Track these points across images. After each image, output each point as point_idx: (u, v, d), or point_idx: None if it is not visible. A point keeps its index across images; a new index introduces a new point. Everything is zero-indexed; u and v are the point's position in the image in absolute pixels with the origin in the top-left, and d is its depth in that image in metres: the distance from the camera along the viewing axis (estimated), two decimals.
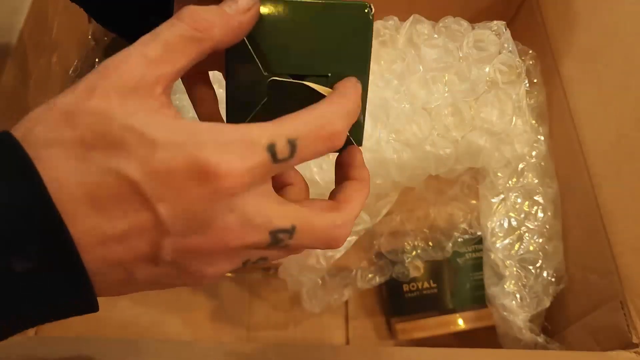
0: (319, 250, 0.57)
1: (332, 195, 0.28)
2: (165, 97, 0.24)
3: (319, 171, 0.54)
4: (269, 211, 0.24)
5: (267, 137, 0.23)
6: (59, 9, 0.57)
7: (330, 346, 0.60)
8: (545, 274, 0.59)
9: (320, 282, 0.60)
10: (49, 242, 0.21)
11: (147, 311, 0.62)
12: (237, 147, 0.22)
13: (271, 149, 0.23)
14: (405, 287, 0.63)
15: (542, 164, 0.61)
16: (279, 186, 0.30)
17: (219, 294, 0.64)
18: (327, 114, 0.25)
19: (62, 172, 0.22)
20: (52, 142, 0.22)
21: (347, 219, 0.27)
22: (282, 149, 0.24)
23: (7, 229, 0.21)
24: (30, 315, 0.23)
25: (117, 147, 0.22)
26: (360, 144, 0.31)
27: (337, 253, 0.58)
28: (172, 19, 0.24)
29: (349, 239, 0.58)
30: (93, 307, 0.24)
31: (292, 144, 0.24)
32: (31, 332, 0.58)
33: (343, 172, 0.29)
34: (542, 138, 0.62)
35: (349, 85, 0.28)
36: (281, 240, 0.25)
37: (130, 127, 0.22)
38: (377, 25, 0.59)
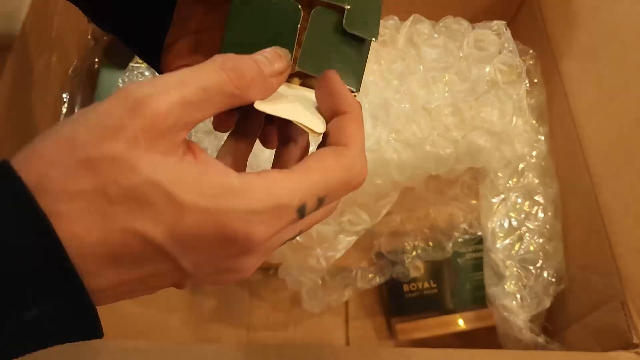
0: (319, 250, 0.57)
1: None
2: (186, 139, 0.23)
3: None
4: (284, 235, 0.25)
5: (298, 200, 0.23)
6: (58, 8, 0.57)
7: (330, 346, 0.60)
8: (545, 274, 0.59)
9: (320, 282, 0.60)
10: (64, 299, 0.21)
11: (146, 311, 0.62)
12: (267, 216, 0.22)
13: (301, 210, 0.23)
14: (406, 288, 0.63)
15: (543, 164, 0.61)
16: (284, 141, 0.30)
17: (219, 294, 0.64)
18: (357, 163, 0.25)
19: (82, 229, 0.21)
20: (72, 195, 0.21)
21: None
22: (311, 207, 0.24)
23: (21, 284, 0.20)
24: (34, 348, 0.23)
25: (141, 205, 0.21)
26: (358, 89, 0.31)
27: (337, 253, 0.58)
28: (215, 67, 0.24)
29: (348, 239, 0.58)
30: (98, 336, 0.24)
31: (321, 201, 0.24)
32: None
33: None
34: (543, 138, 0.62)
35: (358, 108, 0.27)
36: (286, 242, 0.26)
37: (156, 183, 0.21)
38: None
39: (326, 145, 0.26)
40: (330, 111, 0.27)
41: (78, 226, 0.21)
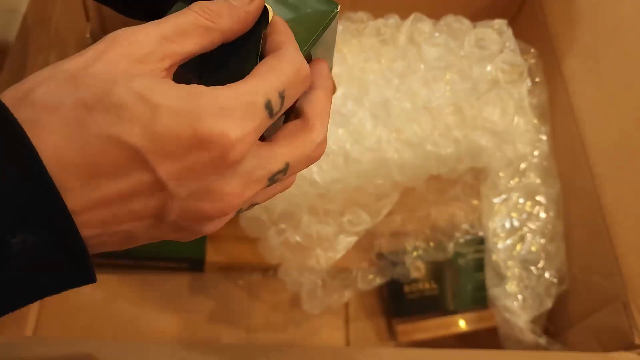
0: (319, 250, 0.57)
1: (300, 109, 0.28)
2: (169, 74, 0.25)
3: (319, 171, 0.53)
4: (266, 161, 0.25)
5: (263, 95, 0.24)
6: (57, 7, 0.57)
7: (330, 348, 0.60)
8: (547, 274, 0.58)
9: (320, 283, 0.60)
10: (44, 217, 0.21)
11: (145, 312, 0.62)
12: (239, 112, 0.23)
13: (268, 106, 0.24)
14: (406, 288, 0.62)
15: (544, 163, 0.61)
16: None
17: (218, 295, 0.64)
18: (297, 58, 0.26)
19: (61, 138, 0.21)
20: (54, 106, 0.22)
21: (324, 134, 0.28)
22: (276, 103, 0.25)
23: (2, 205, 0.20)
24: (24, 289, 0.22)
25: (118, 110, 0.22)
26: None
27: (337, 254, 0.57)
28: (185, 10, 0.25)
29: (349, 239, 0.58)
30: (90, 279, 0.24)
31: (282, 96, 0.25)
32: (29, 332, 0.58)
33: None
34: (544, 137, 0.61)
35: (281, 21, 0.29)
36: (277, 179, 0.26)
37: (132, 89, 0.22)
38: (378, 23, 0.59)
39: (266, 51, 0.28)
40: None
41: (57, 136, 0.21)
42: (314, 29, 0.29)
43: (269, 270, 0.64)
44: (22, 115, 0.21)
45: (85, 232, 0.22)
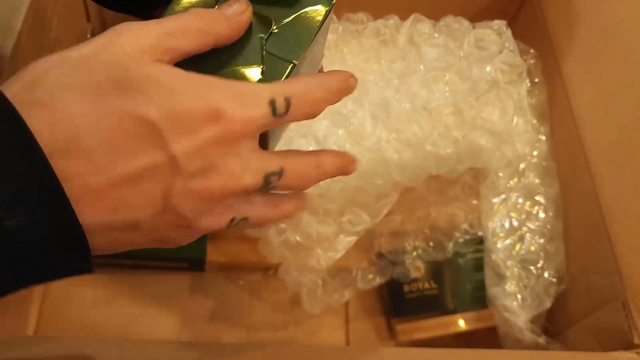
0: (319, 250, 0.57)
1: None
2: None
3: None
4: (262, 158, 0.27)
5: (269, 92, 0.26)
6: (57, 8, 0.57)
7: (330, 347, 0.60)
8: (546, 274, 0.59)
9: (320, 282, 0.60)
10: (40, 201, 0.22)
11: (146, 311, 0.62)
12: (246, 98, 0.26)
13: (272, 104, 0.26)
14: (406, 288, 0.62)
15: (544, 163, 0.61)
16: None
17: (218, 294, 0.64)
18: (315, 84, 0.29)
19: (77, 114, 0.22)
20: (68, 86, 0.23)
21: (320, 160, 0.30)
22: (280, 105, 0.27)
23: None
24: (23, 272, 0.23)
25: (134, 92, 0.23)
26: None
27: (337, 253, 0.58)
28: (181, 13, 0.27)
29: (348, 239, 0.58)
30: (90, 268, 0.24)
31: (288, 102, 0.27)
32: (30, 331, 0.58)
33: None
34: (544, 138, 0.61)
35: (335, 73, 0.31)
36: (271, 182, 0.27)
37: (148, 75, 0.24)
38: (378, 24, 0.59)
39: None
40: None
41: (73, 112, 0.22)
42: (313, 27, 0.30)
43: (269, 269, 0.65)
44: (35, 95, 0.22)
45: (94, 218, 0.23)
